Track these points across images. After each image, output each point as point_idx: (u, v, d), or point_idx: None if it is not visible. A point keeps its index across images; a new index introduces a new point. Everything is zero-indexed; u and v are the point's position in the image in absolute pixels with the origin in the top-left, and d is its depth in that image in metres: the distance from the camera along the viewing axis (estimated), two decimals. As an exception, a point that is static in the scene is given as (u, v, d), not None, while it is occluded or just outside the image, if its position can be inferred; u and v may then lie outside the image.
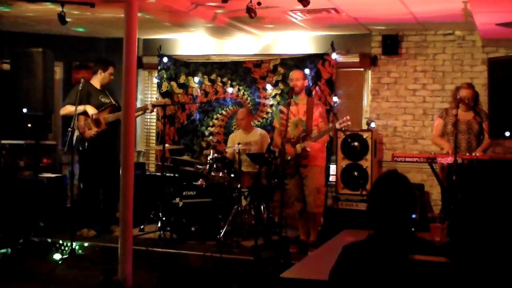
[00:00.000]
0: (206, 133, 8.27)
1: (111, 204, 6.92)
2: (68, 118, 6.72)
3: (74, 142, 6.56)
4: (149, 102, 8.59)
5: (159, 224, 6.75)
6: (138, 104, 8.41)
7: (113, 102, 6.89)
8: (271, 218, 6.68)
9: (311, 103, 6.33)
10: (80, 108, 6.61)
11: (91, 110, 6.69)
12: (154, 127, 8.67)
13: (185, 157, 7.50)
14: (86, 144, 6.70)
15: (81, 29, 7.78)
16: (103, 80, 6.89)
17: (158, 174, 7.51)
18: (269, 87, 7.98)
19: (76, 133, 6.61)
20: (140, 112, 6.97)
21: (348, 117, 6.14)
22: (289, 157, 6.19)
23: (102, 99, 6.84)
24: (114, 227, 6.87)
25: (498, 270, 2.36)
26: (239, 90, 8.14)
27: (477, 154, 6.00)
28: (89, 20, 7.08)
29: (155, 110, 8.12)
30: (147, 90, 8.86)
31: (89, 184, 6.85)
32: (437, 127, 6.55)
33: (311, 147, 6.17)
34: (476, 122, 6.27)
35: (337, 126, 6.17)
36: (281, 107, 6.50)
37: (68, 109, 6.71)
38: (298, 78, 6.31)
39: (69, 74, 8.66)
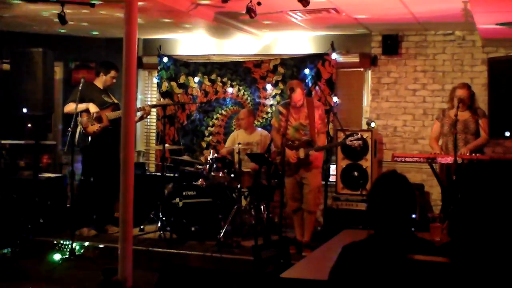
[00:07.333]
0: (206, 133, 8.27)
1: (109, 203, 6.91)
2: (68, 118, 6.72)
3: (76, 139, 6.57)
4: (148, 103, 8.58)
5: (159, 224, 6.75)
6: (138, 104, 8.41)
7: (115, 101, 6.93)
8: (271, 218, 6.67)
9: (311, 105, 6.31)
10: (83, 106, 6.66)
11: (93, 108, 6.73)
12: (154, 127, 8.67)
13: (185, 157, 7.50)
14: (89, 139, 6.71)
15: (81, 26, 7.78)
16: (105, 82, 6.94)
17: (158, 174, 7.51)
18: (269, 87, 7.98)
19: (79, 129, 6.64)
20: (137, 118, 6.86)
21: (360, 135, 6.20)
22: (291, 161, 6.19)
23: (105, 98, 6.88)
24: (109, 226, 6.89)
25: (499, 270, 2.36)
26: (239, 90, 8.14)
27: (469, 147, 6.03)
28: (89, 20, 7.08)
29: (155, 110, 8.16)
30: (147, 90, 8.86)
31: (90, 180, 6.86)
32: (434, 129, 6.57)
33: (312, 153, 6.20)
34: (473, 121, 6.27)
35: (347, 142, 6.18)
36: (280, 108, 6.45)
37: (72, 106, 6.70)
38: (300, 98, 6.24)
39: (69, 74, 8.66)
